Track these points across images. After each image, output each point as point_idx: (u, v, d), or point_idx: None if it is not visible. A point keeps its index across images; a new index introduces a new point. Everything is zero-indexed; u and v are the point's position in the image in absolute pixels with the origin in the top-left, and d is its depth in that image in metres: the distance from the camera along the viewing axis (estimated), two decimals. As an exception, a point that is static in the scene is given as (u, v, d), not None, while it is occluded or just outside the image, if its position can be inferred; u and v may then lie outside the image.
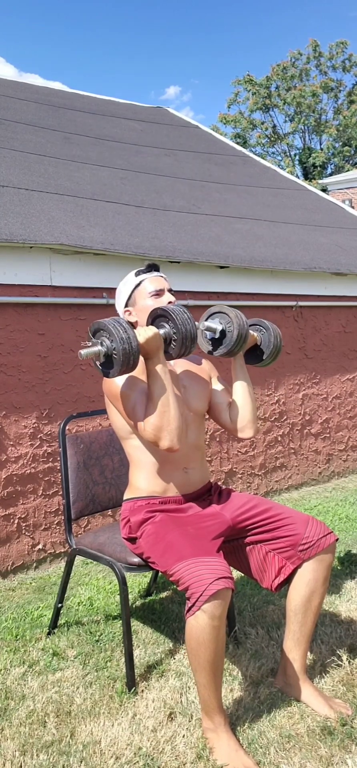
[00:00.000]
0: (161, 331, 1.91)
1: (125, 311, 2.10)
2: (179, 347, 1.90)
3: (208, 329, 2.08)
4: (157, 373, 1.89)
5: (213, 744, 1.75)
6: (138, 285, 2.07)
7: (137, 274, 2.09)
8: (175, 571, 1.76)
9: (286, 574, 1.97)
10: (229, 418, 2.14)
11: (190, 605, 1.68)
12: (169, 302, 2.04)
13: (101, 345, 1.82)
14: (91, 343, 1.85)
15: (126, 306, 2.09)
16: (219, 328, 2.07)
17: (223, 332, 2.08)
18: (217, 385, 2.20)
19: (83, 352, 1.82)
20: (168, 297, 2.06)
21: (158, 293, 2.05)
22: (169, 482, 2.02)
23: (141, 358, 1.89)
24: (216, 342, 2.11)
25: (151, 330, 1.88)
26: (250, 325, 2.22)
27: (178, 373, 2.11)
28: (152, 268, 2.10)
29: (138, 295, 2.06)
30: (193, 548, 1.78)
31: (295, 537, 1.94)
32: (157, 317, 1.95)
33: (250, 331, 2.17)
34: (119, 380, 1.97)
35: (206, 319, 2.13)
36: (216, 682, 1.73)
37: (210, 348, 2.13)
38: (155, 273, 2.10)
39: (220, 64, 54.42)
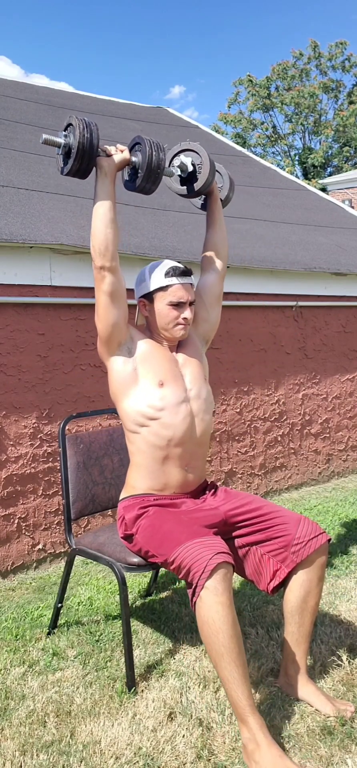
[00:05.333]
0: (133, 159, 1.99)
1: (140, 301, 2.08)
2: (143, 181, 1.99)
3: (182, 168, 2.16)
4: (98, 187, 1.93)
5: (255, 758, 1.62)
6: (163, 287, 2.03)
7: (168, 274, 2.02)
8: (174, 557, 1.76)
9: (281, 578, 1.96)
10: (210, 253, 2.24)
11: (193, 588, 1.67)
12: (185, 318, 2.03)
13: (64, 137, 1.92)
14: (59, 135, 1.94)
15: (143, 297, 2.07)
16: (189, 164, 2.16)
17: (193, 167, 2.17)
18: (198, 308, 2.20)
19: (45, 135, 1.91)
20: (186, 313, 2.03)
21: (177, 306, 2.02)
22: (167, 481, 2.02)
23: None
24: (186, 180, 2.20)
25: (126, 156, 1.96)
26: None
27: (179, 361, 2.10)
28: (185, 273, 2.04)
29: (159, 297, 2.03)
30: (189, 533, 1.78)
31: (287, 537, 1.93)
32: (136, 144, 2.01)
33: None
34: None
35: (172, 158, 2.21)
36: (240, 674, 1.63)
37: (182, 186, 2.22)
38: (186, 279, 2.04)
39: (225, 64, 54.57)
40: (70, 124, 1.91)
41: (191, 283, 2.07)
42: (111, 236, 1.91)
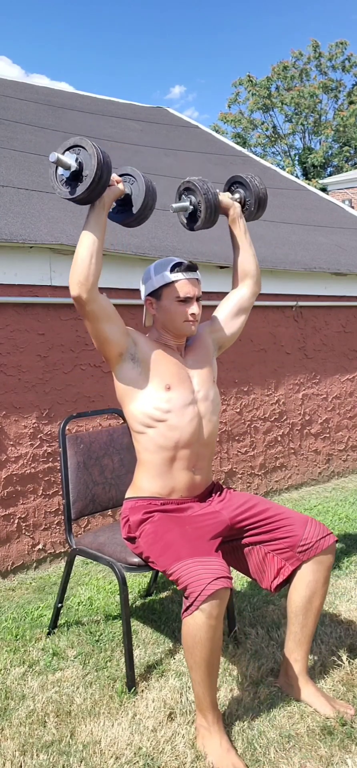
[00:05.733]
0: (127, 190, 1.97)
1: (147, 300, 2.06)
2: (137, 212, 1.97)
3: (180, 210, 2.12)
4: (92, 218, 1.89)
5: (205, 742, 1.76)
6: (169, 283, 2.01)
7: (173, 269, 2.01)
8: (173, 570, 1.76)
9: (285, 575, 1.96)
10: (238, 275, 2.24)
11: (188, 604, 1.69)
12: (192, 314, 2.01)
13: (75, 160, 1.86)
14: (66, 155, 1.89)
15: (150, 295, 2.05)
16: (188, 205, 2.12)
17: (193, 207, 2.12)
18: (219, 314, 2.23)
19: (57, 155, 1.85)
20: (193, 309, 2.01)
21: (185, 301, 2.01)
22: (175, 484, 2.01)
23: None
24: (191, 219, 2.16)
25: (122, 189, 1.94)
26: (231, 185, 2.30)
27: (187, 363, 2.08)
28: (190, 268, 2.03)
29: (166, 293, 2.01)
30: (191, 548, 1.78)
31: (294, 538, 1.93)
32: (126, 175, 1.99)
33: (225, 194, 2.22)
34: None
35: (177, 200, 2.17)
36: (211, 681, 1.74)
37: (187, 225, 2.18)
38: (191, 274, 2.03)
39: (225, 64, 54.63)
40: (80, 146, 1.84)
41: (198, 279, 2.05)
42: (94, 268, 1.87)
